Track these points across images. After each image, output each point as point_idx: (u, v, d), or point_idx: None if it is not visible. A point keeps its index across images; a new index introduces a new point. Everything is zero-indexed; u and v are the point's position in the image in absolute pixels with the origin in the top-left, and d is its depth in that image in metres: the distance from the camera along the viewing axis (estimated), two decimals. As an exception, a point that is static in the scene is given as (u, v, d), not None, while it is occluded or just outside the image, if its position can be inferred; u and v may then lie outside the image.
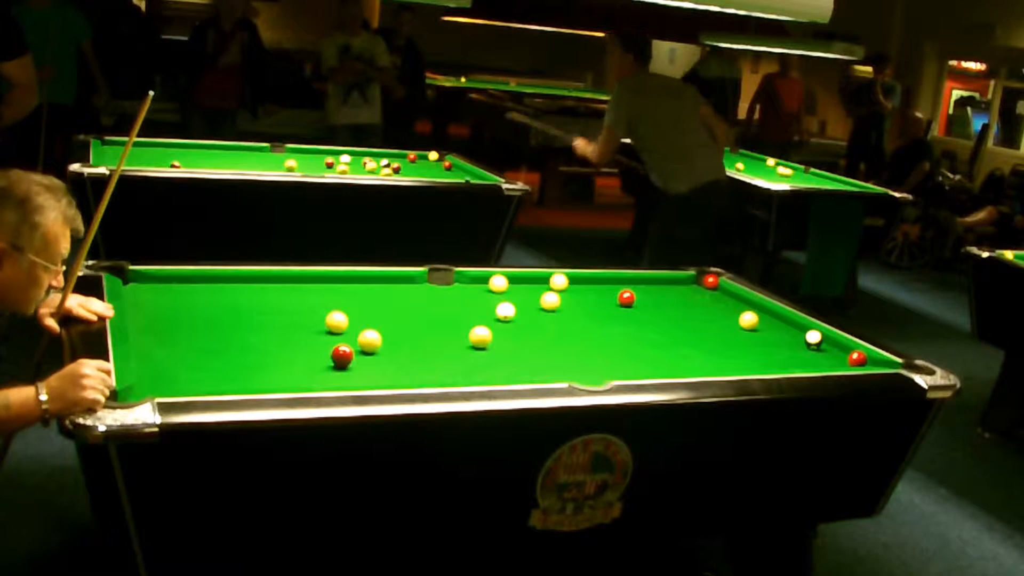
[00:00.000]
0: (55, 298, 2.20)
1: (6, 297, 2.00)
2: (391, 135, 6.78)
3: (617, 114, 4.71)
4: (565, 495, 2.12)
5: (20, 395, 1.78)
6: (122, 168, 2.22)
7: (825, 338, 2.75)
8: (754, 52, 10.33)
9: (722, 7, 4.72)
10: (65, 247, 2.03)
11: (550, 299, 2.88)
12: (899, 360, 2.57)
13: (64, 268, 2.06)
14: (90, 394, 1.74)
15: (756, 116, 8.72)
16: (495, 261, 4.42)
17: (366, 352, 2.28)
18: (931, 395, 2.41)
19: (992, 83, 11.09)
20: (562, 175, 9.13)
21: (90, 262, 2.62)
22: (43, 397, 1.77)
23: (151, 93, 2.16)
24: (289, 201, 4.16)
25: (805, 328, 2.82)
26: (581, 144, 4.95)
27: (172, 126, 6.66)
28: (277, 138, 5.43)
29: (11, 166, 2.12)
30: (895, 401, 2.47)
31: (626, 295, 3.01)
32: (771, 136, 8.44)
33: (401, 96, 7.24)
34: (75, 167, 3.78)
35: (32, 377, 1.84)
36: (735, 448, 2.35)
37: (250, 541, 1.94)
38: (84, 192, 3.73)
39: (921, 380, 2.43)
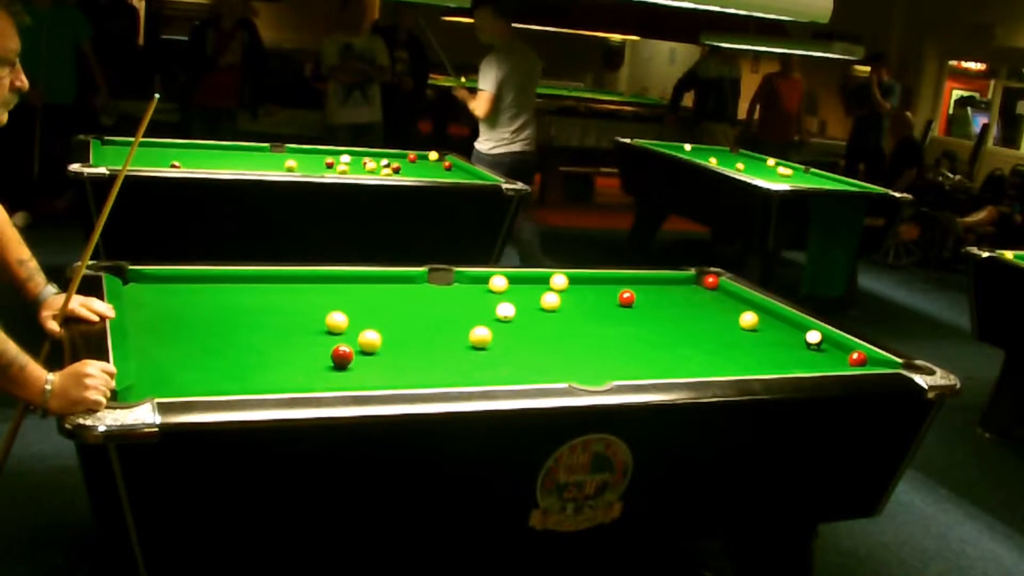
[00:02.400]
0: (57, 300, 2.19)
1: None
2: (395, 133, 6.79)
3: (495, 77, 5.28)
4: (565, 495, 2.12)
5: (34, 372, 1.80)
6: (127, 169, 2.22)
7: (825, 338, 2.75)
8: (754, 52, 10.34)
9: (722, 7, 4.73)
10: (13, 40, 1.93)
11: (550, 299, 2.87)
12: (899, 360, 2.56)
13: (17, 62, 1.95)
14: (92, 395, 1.75)
15: (756, 116, 8.73)
16: (495, 261, 4.42)
17: (366, 352, 2.28)
18: (931, 395, 2.41)
19: (992, 83, 11.09)
20: (562, 175, 9.14)
21: (90, 262, 2.62)
22: (47, 387, 1.78)
23: (156, 96, 2.15)
24: (289, 201, 4.16)
25: (805, 328, 2.82)
26: (467, 96, 5.48)
27: (172, 126, 6.66)
28: (277, 138, 5.43)
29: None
30: (895, 401, 2.47)
31: (626, 295, 3.00)
32: (771, 136, 8.44)
33: (410, 87, 7.35)
34: (75, 167, 3.78)
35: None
36: (735, 448, 2.35)
37: (250, 541, 1.94)
38: (84, 192, 3.74)
39: (921, 380, 2.43)
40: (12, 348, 1.79)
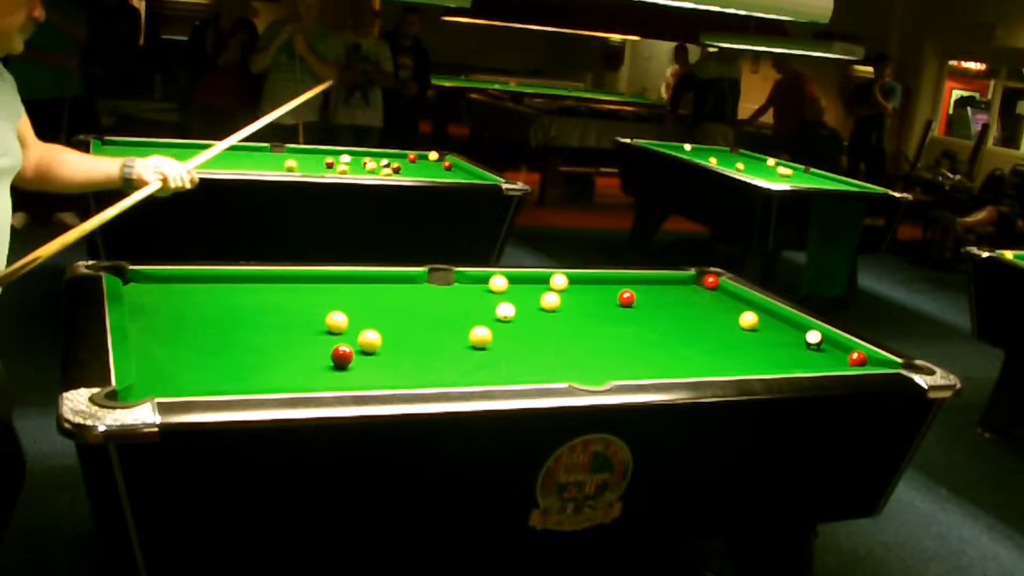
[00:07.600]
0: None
1: None
2: (398, 136, 6.79)
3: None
4: (565, 495, 2.12)
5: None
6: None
7: (825, 338, 2.75)
8: (754, 52, 10.34)
9: (722, 7, 4.73)
10: None
11: (550, 299, 2.87)
12: (899, 360, 2.57)
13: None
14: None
15: (771, 119, 8.82)
16: (495, 261, 4.41)
17: (366, 352, 2.28)
18: (931, 395, 2.41)
19: (992, 83, 11.10)
20: (562, 175, 9.14)
21: (90, 262, 2.62)
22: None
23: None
24: (289, 201, 4.16)
25: (805, 328, 2.82)
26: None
27: (172, 126, 6.67)
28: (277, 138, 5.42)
29: None
30: (895, 401, 2.47)
31: (626, 295, 3.00)
32: (784, 138, 8.54)
33: (414, 93, 7.38)
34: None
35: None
36: (735, 448, 2.35)
37: (250, 541, 1.94)
38: (84, 193, 3.73)
39: (921, 380, 2.43)
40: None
